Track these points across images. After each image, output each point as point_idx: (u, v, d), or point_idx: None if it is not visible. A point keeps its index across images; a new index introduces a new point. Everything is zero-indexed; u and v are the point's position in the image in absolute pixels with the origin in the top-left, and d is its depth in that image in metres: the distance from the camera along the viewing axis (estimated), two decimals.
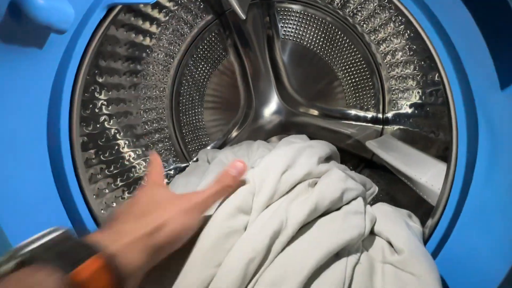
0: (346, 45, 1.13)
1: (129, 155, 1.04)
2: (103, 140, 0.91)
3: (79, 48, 0.50)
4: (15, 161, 0.51)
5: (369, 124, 1.17)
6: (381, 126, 1.16)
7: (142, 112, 1.11)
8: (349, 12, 1.05)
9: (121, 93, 0.99)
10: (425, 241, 0.61)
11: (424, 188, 0.73)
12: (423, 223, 0.67)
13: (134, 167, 1.05)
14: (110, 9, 0.55)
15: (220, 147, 1.28)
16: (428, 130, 0.91)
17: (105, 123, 0.94)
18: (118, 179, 0.94)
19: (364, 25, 1.06)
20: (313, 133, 1.23)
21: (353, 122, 1.18)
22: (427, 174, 0.73)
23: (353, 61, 1.14)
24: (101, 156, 0.89)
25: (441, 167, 0.70)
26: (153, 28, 1.05)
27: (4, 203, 0.48)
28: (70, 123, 0.59)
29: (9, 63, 0.42)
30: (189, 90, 1.25)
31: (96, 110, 0.89)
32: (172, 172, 1.25)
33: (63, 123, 0.55)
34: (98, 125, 0.89)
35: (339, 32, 1.12)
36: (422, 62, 0.91)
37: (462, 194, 0.56)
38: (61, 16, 0.40)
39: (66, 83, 0.50)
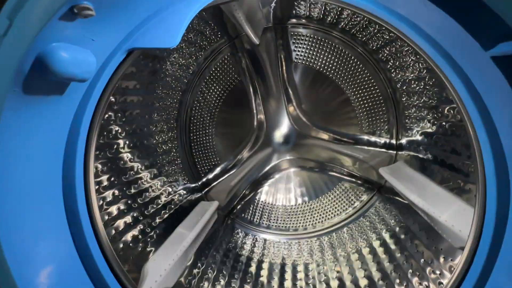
0: (360, 70, 1.13)
1: (145, 176, 1.03)
2: (117, 165, 0.91)
3: (98, 90, 0.51)
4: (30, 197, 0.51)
5: (382, 150, 1.15)
6: (394, 152, 1.14)
7: (153, 133, 1.11)
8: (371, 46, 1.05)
9: (134, 118, 1.00)
10: None
11: (443, 227, 0.71)
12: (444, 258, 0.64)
13: (150, 187, 1.04)
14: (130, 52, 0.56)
15: (231, 168, 1.27)
16: (444, 159, 0.89)
17: (119, 148, 0.94)
18: (137, 199, 0.95)
19: (381, 55, 1.05)
20: (325, 157, 1.22)
21: (365, 147, 1.17)
22: (447, 212, 0.71)
23: (367, 87, 1.13)
24: (115, 181, 0.89)
25: (462, 205, 0.68)
26: (167, 55, 1.06)
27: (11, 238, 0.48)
28: (87, 154, 0.59)
29: (31, 109, 0.43)
30: (201, 111, 1.25)
31: (111, 136, 0.90)
32: (181, 192, 1.24)
33: (79, 155, 0.55)
34: (112, 151, 0.90)
35: (354, 58, 1.12)
36: (439, 93, 0.90)
37: (495, 242, 0.53)
38: (84, 68, 0.40)
39: (83, 126, 0.51)
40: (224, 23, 1.11)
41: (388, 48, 1.02)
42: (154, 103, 1.08)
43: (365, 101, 1.15)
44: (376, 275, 0.95)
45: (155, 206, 1.01)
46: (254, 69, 1.17)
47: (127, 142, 0.96)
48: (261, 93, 1.19)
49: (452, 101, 0.62)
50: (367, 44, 1.07)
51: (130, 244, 0.84)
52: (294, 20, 1.13)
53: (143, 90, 1.00)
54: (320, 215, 1.24)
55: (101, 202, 0.80)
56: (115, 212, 0.85)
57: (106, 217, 0.81)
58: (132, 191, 0.93)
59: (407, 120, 1.08)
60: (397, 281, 0.89)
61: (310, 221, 1.25)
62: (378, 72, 1.10)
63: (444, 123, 0.89)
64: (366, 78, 1.13)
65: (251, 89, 1.20)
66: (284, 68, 1.16)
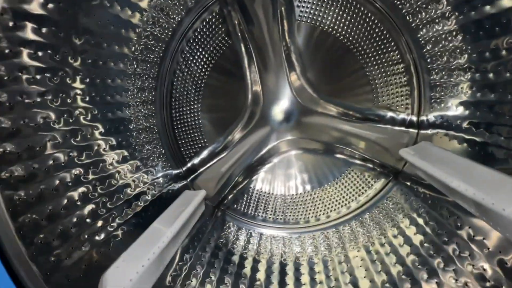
0: (377, 31, 0.93)
1: (113, 159, 0.83)
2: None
3: None
4: None
5: (401, 128, 0.97)
6: (415, 131, 0.96)
7: (127, 106, 0.89)
8: None
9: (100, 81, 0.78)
10: None
11: (497, 217, 0.53)
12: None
13: (118, 172, 0.84)
14: None
15: (221, 151, 1.07)
16: (488, 137, 0.70)
17: (81, 117, 0.73)
18: (98, 188, 0.74)
19: (405, 8, 0.85)
20: (332, 136, 1.03)
21: (381, 125, 0.98)
22: (503, 198, 0.53)
23: (385, 51, 0.94)
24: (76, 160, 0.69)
25: None
26: (143, 3, 0.83)
27: None
28: None
29: None
30: (184, 82, 1.04)
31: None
32: (161, 180, 1.04)
33: None
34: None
35: (370, 16, 0.92)
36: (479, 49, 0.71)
37: None
38: None
39: None
40: None
41: None
42: (127, 68, 0.86)
43: (382, 69, 0.96)
44: (395, 276, 0.78)
45: (123, 196, 0.81)
46: (248, 29, 0.96)
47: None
48: (257, 59, 0.98)
49: None
50: None
51: (84, 247, 0.64)
52: None
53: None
54: (326, 205, 1.05)
55: None
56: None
57: None
58: (90, 176, 0.72)
59: (433, 92, 0.89)
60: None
61: (313, 213, 1.06)
62: (399, 31, 0.91)
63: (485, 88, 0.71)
64: (385, 41, 0.93)
65: (244, 55, 0.99)
66: (285, 27, 0.95)
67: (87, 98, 0.74)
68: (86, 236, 0.68)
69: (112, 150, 0.84)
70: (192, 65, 1.03)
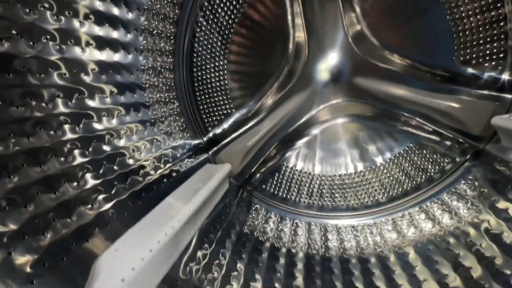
0: None
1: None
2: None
3: None
4: None
5: (489, 92, 0.74)
6: (509, 96, 0.72)
7: (140, 64, 0.72)
8: None
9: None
10: None
11: None
12: None
13: (126, 135, 0.67)
14: None
15: (250, 119, 0.88)
16: None
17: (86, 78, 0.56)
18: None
19: None
20: (393, 100, 0.80)
21: (462, 88, 0.75)
22: None
23: None
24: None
25: None
26: None
27: None
28: None
29: None
30: (209, 32, 0.85)
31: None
32: (178, 150, 0.86)
33: None
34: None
35: None
36: None
37: None
38: None
39: None
40: None
41: None
42: (139, 15, 0.68)
43: (465, 8, 0.72)
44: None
45: (137, 170, 0.64)
46: None
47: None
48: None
49: None
50: None
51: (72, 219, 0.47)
52: None
53: None
54: (382, 188, 0.85)
55: None
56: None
57: None
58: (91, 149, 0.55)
59: None
60: None
61: (366, 197, 0.86)
62: None
63: None
64: None
65: None
66: None
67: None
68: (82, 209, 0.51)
69: (124, 109, 0.66)
70: (219, 10, 0.84)
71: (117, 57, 0.65)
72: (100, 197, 0.55)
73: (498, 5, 0.68)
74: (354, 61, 0.77)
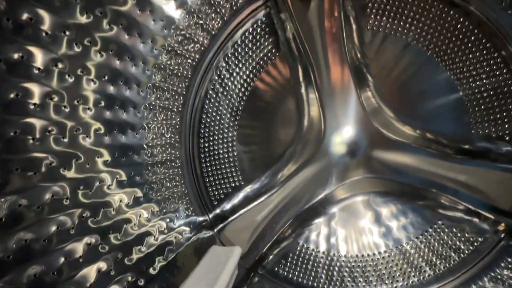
0: (475, 39, 0.71)
1: (118, 199, 0.58)
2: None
3: None
4: None
5: None
6: None
7: (145, 131, 0.67)
8: None
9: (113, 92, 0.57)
10: None
11: None
12: None
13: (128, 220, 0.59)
14: None
15: (261, 194, 0.81)
16: None
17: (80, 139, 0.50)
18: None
19: None
20: (415, 176, 0.76)
21: (486, 162, 0.72)
22: None
23: (485, 65, 0.72)
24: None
25: None
26: (176, 13, 0.65)
27: None
28: None
29: None
30: (218, 104, 0.82)
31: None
32: (181, 230, 0.78)
33: None
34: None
35: (466, 22, 0.71)
36: None
37: None
38: None
39: None
40: None
41: None
42: (150, 82, 0.65)
43: (482, 89, 0.72)
44: None
45: (140, 248, 0.55)
46: (306, 40, 0.76)
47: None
48: (316, 76, 0.76)
49: None
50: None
51: None
52: None
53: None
54: (411, 270, 0.76)
55: None
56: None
57: None
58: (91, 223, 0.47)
59: None
60: None
61: (392, 281, 0.76)
62: (500, 36, 0.69)
63: None
64: (484, 51, 0.71)
65: (299, 69, 0.78)
66: (355, 37, 0.75)
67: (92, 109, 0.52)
68: None
69: (121, 188, 0.60)
70: (229, 84, 0.83)
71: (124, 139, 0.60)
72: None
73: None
74: (371, 135, 0.74)
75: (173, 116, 0.77)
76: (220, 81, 0.82)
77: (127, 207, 0.60)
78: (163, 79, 0.67)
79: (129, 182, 0.62)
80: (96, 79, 0.53)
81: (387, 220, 0.77)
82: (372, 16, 0.75)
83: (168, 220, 0.75)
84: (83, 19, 0.49)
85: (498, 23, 0.68)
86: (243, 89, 0.82)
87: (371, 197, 0.78)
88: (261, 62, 0.81)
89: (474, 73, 0.72)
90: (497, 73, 0.71)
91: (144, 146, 0.69)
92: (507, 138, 0.71)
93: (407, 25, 0.74)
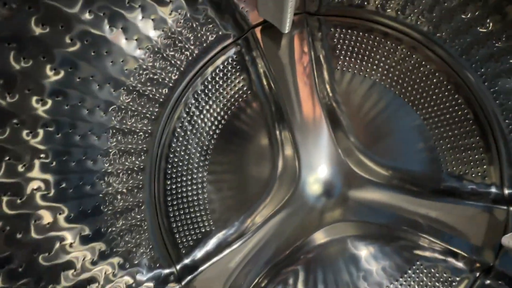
0: (437, 82, 0.75)
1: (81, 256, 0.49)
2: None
3: None
4: None
5: (485, 204, 0.72)
6: (505, 208, 0.71)
7: (105, 172, 0.59)
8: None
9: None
10: None
11: None
12: None
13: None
14: None
15: (234, 241, 0.75)
16: None
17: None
18: None
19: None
20: (389, 218, 0.75)
21: (457, 201, 0.73)
22: None
23: (448, 106, 0.74)
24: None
25: None
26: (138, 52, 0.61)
27: None
28: None
29: None
30: (186, 143, 0.77)
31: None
32: (144, 286, 0.69)
33: None
34: None
35: (427, 66, 0.74)
36: None
37: None
38: None
39: None
40: (230, 5, 0.71)
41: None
42: (113, 121, 0.59)
43: (446, 126, 0.75)
44: None
45: None
46: (278, 79, 0.75)
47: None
48: (289, 116, 0.74)
49: None
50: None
51: None
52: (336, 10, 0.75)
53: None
54: None
55: None
56: None
57: None
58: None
59: None
60: None
61: None
62: (459, 78, 0.73)
63: None
64: (443, 87, 0.75)
65: (272, 106, 0.76)
66: (326, 76, 0.75)
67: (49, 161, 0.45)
68: None
69: (84, 245, 0.51)
70: (199, 121, 0.78)
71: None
72: None
73: (478, 135, 0.71)
74: (346, 174, 0.73)
75: (137, 158, 0.69)
76: (189, 119, 0.78)
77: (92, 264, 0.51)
78: (124, 121, 0.61)
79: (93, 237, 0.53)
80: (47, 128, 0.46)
81: (367, 264, 0.74)
82: (341, 57, 0.76)
83: (130, 274, 0.66)
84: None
85: (457, 67, 0.72)
86: (213, 127, 0.78)
87: (350, 240, 0.75)
88: (232, 100, 0.78)
89: (439, 113, 0.74)
90: (459, 113, 0.74)
91: (103, 191, 0.61)
92: (472, 176, 0.73)
93: (374, 66, 0.76)
